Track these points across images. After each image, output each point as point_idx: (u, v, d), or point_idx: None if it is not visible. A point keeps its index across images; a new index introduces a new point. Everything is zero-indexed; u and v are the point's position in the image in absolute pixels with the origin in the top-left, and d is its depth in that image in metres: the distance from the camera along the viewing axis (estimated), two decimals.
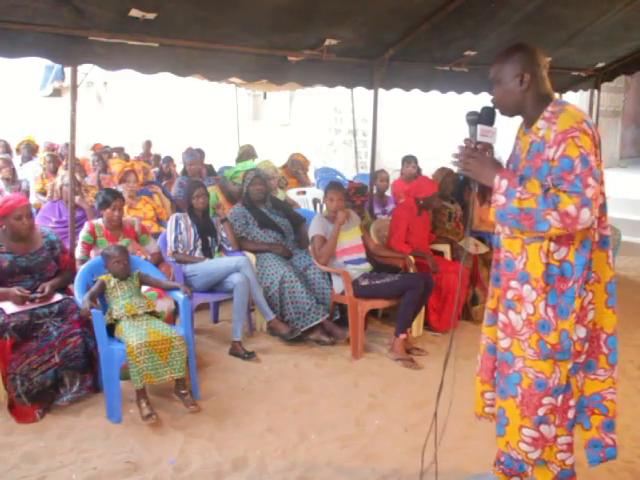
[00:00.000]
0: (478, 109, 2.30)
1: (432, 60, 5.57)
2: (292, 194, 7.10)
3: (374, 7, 4.31)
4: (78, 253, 4.16)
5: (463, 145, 2.26)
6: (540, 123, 2.19)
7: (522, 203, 2.06)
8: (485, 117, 2.27)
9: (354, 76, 5.46)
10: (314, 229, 4.64)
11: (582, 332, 2.22)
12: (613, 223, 6.35)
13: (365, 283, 4.40)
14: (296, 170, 8.05)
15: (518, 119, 2.34)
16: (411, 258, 4.76)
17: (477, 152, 2.22)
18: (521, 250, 2.22)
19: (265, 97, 10.95)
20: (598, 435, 2.35)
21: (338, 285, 4.52)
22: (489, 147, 2.26)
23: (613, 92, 11.50)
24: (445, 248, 5.24)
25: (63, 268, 3.79)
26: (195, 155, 6.86)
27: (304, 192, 7.45)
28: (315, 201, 7.47)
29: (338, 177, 8.87)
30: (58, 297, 3.61)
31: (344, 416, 3.43)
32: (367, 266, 4.63)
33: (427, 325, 4.81)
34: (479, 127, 2.24)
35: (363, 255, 4.68)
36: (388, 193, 6.73)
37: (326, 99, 12.13)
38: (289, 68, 5.02)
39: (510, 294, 2.27)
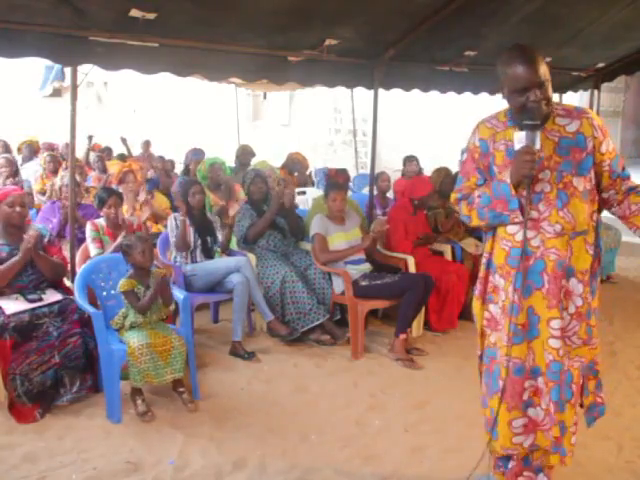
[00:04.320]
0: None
1: (432, 60, 5.56)
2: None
3: (374, 7, 4.30)
4: (93, 251, 4.12)
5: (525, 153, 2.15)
6: (559, 120, 2.22)
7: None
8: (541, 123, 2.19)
9: (354, 76, 5.45)
10: (314, 228, 4.65)
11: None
12: (613, 223, 6.39)
13: (365, 283, 4.40)
14: (295, 170, 8.02)
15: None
16: (412, 258, 4.76)
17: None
18: (567, 246, 2.23)
19: (265, 97, 10.95)
20: (593, 398, 2.39)
21: (338, 285, 4.52)
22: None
23: (613, 92, 11.47)
24: (445, 248, 5.24)
25: None
26: (201, 155, 6.90)
27: (304, 192, 7.44)
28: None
29: None
30: (58, 297, 3.60)
31: (344, 416, 3.43)
32: (367, 266, 4.62)
33: (427, 325, 4.80)
34: (538, 133, 2.14)
35: (363, 255, 4.68)
36: (389, 194, 6.74)
37: (326, 99, 12.13)
38: (289, 68, 5.02)
39: (561, 293, 2.24)
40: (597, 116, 2.26)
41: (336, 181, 5.88)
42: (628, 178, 2.30)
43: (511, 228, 2.25)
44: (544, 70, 2.15)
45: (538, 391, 2.31)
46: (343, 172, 6.00)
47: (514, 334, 2.28)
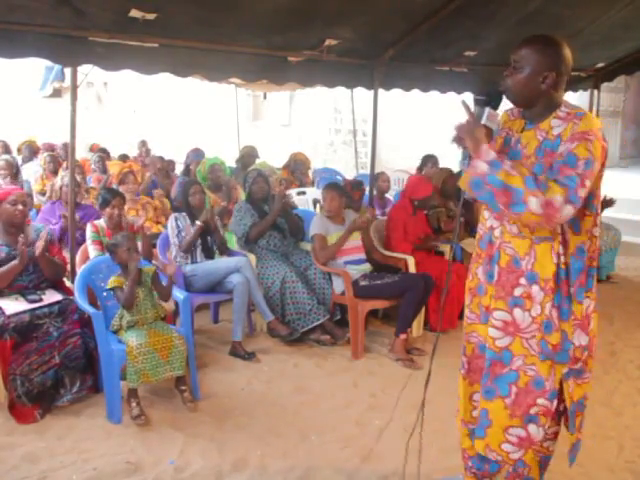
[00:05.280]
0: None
1: (432, 60, 5.57)
2: (292, 194, 7.09)
3: (374, 7, 4.31)
4: (93, 253, 4.12)
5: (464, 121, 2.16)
6: (554, 122, 2.12)
7: (509, 179, 1.98)
8: (495, 101, 2.18)
9: (354, 76, 5.46)
10: (314, 228, 4.65)
11: (584, 340, 2.17)
12: (613, 223, 6.39)
13: (365, 283, 4.40)
14: (297, 170, 8.03)
15: None
16: (412, 258, 4.76)
17: (476, 124, 2.14)
18: (529, 250, 2.15)
19: (265, 97, 10.95)
20: (579, 435, 2.32)
21: (338, 285, 4.52)
22: (491, 133, 2.19)
23: (613, 92, 11.49)
24: (445, 248, 5.24)
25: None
26: (201, 155, 6.90)
27: (304, 192, 7.45)
28: (315, 201, 7.47)
29: (338, 177, 8.87)
30: (58, 297, 3.61)
31: (344, 416, 3.43)
32: (367, 266, 4.63)
33: (427, 325, 4.81)
34: (487, 110, 2.15)
35: (363, 255, 4.69)
36: (388, 195, 6.74)
37: (326, 99, 12.14)
38: (289, 68, 5.03)
39: (519, 291, 2.18)
40: (590, 121, 2.04)
41: (333, 182, 5.90)
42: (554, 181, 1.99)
43: (486, 213, 2.28)
44: (525, 56, 2.09)
45: None
46: (358, 187, 5.58)
47: (482, 315, 2.31)
